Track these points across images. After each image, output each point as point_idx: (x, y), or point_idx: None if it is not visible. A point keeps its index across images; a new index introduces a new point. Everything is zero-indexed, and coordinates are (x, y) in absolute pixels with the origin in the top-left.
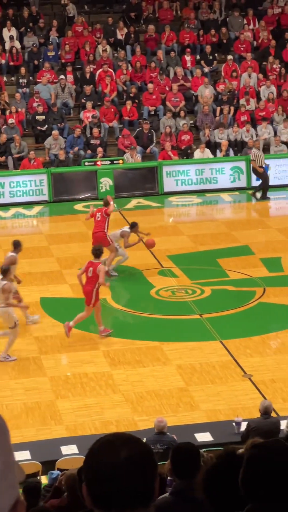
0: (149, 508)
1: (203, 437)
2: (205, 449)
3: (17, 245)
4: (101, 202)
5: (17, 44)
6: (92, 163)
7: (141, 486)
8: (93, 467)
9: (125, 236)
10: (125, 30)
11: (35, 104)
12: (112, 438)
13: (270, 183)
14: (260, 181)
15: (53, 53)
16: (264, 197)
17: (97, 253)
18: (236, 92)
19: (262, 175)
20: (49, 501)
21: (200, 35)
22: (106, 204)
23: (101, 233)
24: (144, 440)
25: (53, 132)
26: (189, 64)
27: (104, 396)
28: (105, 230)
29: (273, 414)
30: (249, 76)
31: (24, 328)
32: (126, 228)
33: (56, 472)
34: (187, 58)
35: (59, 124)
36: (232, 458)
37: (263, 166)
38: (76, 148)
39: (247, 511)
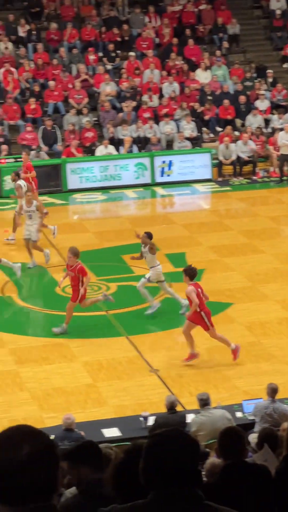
0: (51, 500)
1: (111, 432)
2: (114, 444)
3: None
4: (5, 200)
5: None
6: None
7: (42, 481)
8: None
9: None
10: (27, 27)
11: None
12: (13, 433)
13: (174, 179)
14: None
15: None
16: None
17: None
18: (139, 89)
19: None
20: None
21: (102, 32)
22: None
23: None
24: (52, 437)
25: None
26: (92, 61)
27: (11, 395)
28: None
29: (180, 408)
30: (152, 72)
31: None
32: None
33: None
34: (90, 57)
35: None
36: (140, 453)
37: None
38: None
39: (149, 500)
